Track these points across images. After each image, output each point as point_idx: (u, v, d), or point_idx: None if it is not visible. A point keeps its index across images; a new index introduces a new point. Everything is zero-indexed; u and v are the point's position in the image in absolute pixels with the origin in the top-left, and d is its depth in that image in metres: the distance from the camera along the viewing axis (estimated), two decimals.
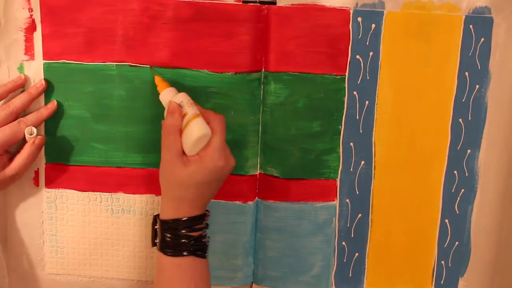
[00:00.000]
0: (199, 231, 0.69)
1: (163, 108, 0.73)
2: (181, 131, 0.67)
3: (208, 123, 0.67)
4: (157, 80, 0.71)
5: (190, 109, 0.67)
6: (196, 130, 0.66)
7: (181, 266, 0.68)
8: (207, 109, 0.70)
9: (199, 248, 0.69)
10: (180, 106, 0.68)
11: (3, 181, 0.73)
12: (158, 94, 0.70)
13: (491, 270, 0.81)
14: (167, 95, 0.69)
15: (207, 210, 0.70)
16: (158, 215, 0.70)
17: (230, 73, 0.75)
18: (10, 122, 0.73)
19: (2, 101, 0.74)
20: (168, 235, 0.68)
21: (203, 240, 0.69)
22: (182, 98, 0.68)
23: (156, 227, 0.70)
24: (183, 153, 0.67)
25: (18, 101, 0.74)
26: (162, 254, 0.68)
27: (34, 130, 0.74)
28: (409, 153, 0.78)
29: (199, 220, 0.68)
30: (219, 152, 0.67)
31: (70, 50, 0.75)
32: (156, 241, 0.70)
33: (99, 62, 0.75)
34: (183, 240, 0.67)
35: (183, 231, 0.67)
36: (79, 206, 0.80)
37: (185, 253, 0.67)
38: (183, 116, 0.67)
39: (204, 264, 0.69)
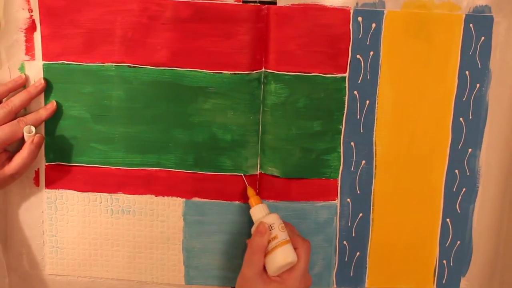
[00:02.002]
0: None
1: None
2: (266, 252, 0.69)
3: (295, 248, 0.69)
4: (250, 193, 0.74)
5: (281, 234, 0.70)
6: (284, 256, 0.69)
7: None
8: (295, 233, 0.72)
9: None
10: (270, 227, 0.70)
11: (3, 180, 0.74)
12: (249, 207, 0.75)
13: (493, 269, 0.81)
14: (258, 213, 0.73)
15: None
16: None
17: (229, 73, 0.75)
18: (9, 121, 0.73)
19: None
20: None
21: None
22: (274, 220, 0.71)
23: None
24: (264, 270, 0.69)
25: (17, 99, 0.74)
26: None
27: (33, 129, 0.74)
28: (410, 152, 0.78)
29: None
30: (300, 277, 0.69)
31: (69, 51, 0.75)
32: None
33: (98, 63, 0.75)
34: None
35: None
36: (79, 207, 0.80)
37: None
38: (271, 238, 0.70)
39: None
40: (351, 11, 0.74)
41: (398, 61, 0.76)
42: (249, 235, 0.79)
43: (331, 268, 0.82)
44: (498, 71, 0.76)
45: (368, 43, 0.75)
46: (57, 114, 0.77)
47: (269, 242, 0.70)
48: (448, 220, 0.80)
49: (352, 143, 0.78)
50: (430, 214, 0.80)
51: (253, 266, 0.69)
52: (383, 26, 0.75)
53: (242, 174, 0.78)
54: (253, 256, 0.69)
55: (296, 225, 0.79)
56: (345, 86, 0.76)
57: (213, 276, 0.81)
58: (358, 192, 0.79)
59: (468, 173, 0.79)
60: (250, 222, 0.76)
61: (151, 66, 0.75)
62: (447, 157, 0.78)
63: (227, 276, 0.82)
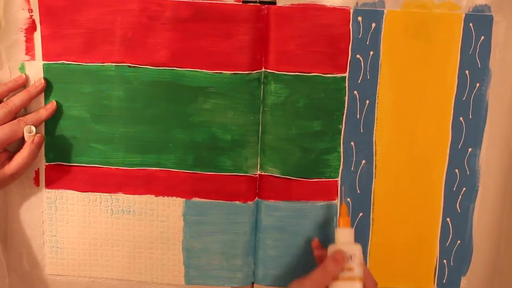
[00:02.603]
0: None
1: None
2: (335, 278, 0.68)
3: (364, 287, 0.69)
4: (343, 212, 0.73)
5: (358, 269, 0.68)
6: None
7: None
8: (367, 271, 0.72)
9: None
10: (350, 258, 0.69)
11: (3, 179, 0.74)
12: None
13: (493, 269, 0.81)
14: (344, 236, 0.71)
15: None
16: None
17: (229, 73, 0.75)
18: (9, 121, 0.73)
19: None
20: None
21: None
22: (355, 251, 0.69)
23: None
24: None
25: (17, 99, 0.74)
26: None
27: (33, 128, 0.74)
28: (410, 152, 0.78)
29: None
30: None
31: (69, 51, 0.75)
32: None
33: (98, 63, 0.75)
34: None
35: None
36: (79, 207, 0.80)
37: None
38: (347, 268, 0.68)
39: None
40: (351, 11, 0.74)
41: (398, 60, 0.76)
42: (249, 235, 0.79)
43: None
44: (498, 70, 0.76)
45: (368, 43, 0.75)
46: (57, 114, 0.77)
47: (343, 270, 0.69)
48: (448, 219, 0.80)
49: (352, 143, 0.78)
50: (430, 213, 0.80)
51: (317, 285, 0.68)
52: (383, 26, 0.75)
53: (343, 202, 0.76)
54: (323, 277, 0.68)
55: (296, 225, 0.79)
56: (345, 86, 0.76)
57: (213, 276, 0.81)
58: (358, 192, 0.79)
59: (468, 173, 0.79)
60: (251, 222, 0.76)
61: (151, 66, 0.75)
62: (447, 157, 0.78)
63: (227, 276, 0.81)
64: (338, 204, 0.79)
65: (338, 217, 0.74)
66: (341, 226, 0.72)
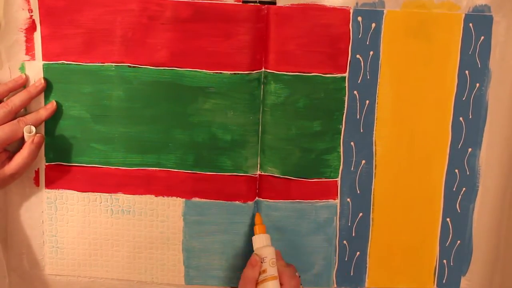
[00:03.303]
0: None
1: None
2: (257, 282, 0.73)
3: (281, 284, 0.73)
4: (257, 221, 0.77)
5: (270, 269, 0.73)
6: None
7: None
8: (286, 267, 0.75)
9: None
10: (262, 260, 0.74)
11: (3, 179, 0.74)
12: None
13: (493, 269, 0.81)
14: (258, 242, 0.76)
15: None
16: None
17: (229, 73, 0.75)
18: (9, 121, 0.73)
19: None
20: None
21: None
22: (267, 254, 0.74)
23: None
24: None
25: (17, 99, 0.74)
26: None
27: (33, 128, 0.74)
28: (410, 152, 0.78)
29: None
30: None
31: (69, 51, 0.75)
32: None
33: (98, 63, 0.75)
34: None
35: None
36: (79, 207, 0.80)
37: None
38: (262, 270, 0.73)
39: None
40: (351, 11, 0.74)
41: (398, 60, 0.76)
42: (248, 235, 0.79)
43: (331, 268, 0.82)
44: (497, 70, 0.76)
45: (368, 43, 0.75)
46: (57, 114, 0.77)
47: (260, 273, 0.73)
48: (448, 219, 0.80)
49: (352, 143, 0.78)
50: (430, 213, 0.80)
51: None
52: (382, 26, 0.75)
53: (257, 212, 0.80)
54: (244, 282, 0.73)
55: (296, 225, 0.79)
56: (345, 86, 0.76)
57: (213, 276, 0.81)
58: (358, 191, 0.79)
59: (468, 173, 0.79)
60: (250, 222, 0.76)
61: (151, 66, 0.75)
62: (447, 157, 0.78)
63: (227, 276, 0.81)
64: (338, 204, 0.80)
65: (254, 226, 0.77)
66: (256, 233, 0.76)
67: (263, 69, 0.76)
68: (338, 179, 0.79)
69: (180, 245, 0.81)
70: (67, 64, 0.75)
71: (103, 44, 0.74)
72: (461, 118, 0.77)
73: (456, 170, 0.79)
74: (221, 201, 0.79)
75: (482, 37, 0.75)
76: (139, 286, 0.82)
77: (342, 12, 0.74)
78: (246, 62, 0.75)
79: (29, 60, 0.76)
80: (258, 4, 0.74)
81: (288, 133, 0.77)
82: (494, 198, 0.79)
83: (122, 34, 0.74)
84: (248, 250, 0.80)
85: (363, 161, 0.79)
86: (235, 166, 0.78)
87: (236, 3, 0.73)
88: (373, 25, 0.75)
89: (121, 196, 0.79)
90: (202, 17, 0.73)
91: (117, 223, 0.80)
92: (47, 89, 0.76)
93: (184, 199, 0.79)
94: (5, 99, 0.74)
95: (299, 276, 0.76)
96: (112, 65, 0.75)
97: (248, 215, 0.79)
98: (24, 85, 0.76)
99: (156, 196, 0.79)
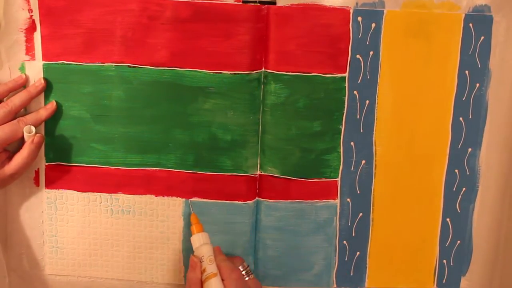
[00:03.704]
0: None
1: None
2: (201, 282, 0.72)
3: (223, 280, 0.72)
4: (193, 220, 0.77)
5: (209, 267, 0.73)
6: None
7: None
8: (225, 261, 0.74)
9: None
10: (200, 260, 0.73)
11: (3, 179, 0.73)
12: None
13: (493, 269, 0.81)
14: (195, 241, 0.75)
15: None
16: None
17: (229, 73, 0.75)
18: (9, 121, 0.73)
19: None
20: None
21: None
22: (204, 252, 0.74)
23: None
24: None
25: (17, 99, 0.74)
26: None
27: (33, 128, 0.74)
28: (409, 152, 0.78)
29: None
30: None
31: (69, 51, 0.75)
32: None
33: (98, 63, 0.75)
34: None
35: None
36: (79, 207, 0.80)
37: None
38: (202, 270, 0.73)
39: None
40: (351, 11, 0.74)
41: (398, 60, 0.76)
42: (248, 235, 0.79)
43: (331, 268, 0.82)
44: (497, 70, 0.76)
45: (367, 43, 0.75)
46: (57, 114, 0.77)
47: (202, 273, 0.73)
48: (448, 219, 0.80)
49: (352, 143, 0.78)
50: (430, 213, 0.80)
51: None
52: (382, 26, 0.75)
53: (189, 200, 0.79)
54: (190, 284, 0.72)
55: (296, 225, 0.79)
56: (345, 86, 0.76)
57: None
58: (358, 191, 0.79)
59: (468, 173, 0.79)
60: (250, 222, 0.76)
61: (151, 66, 0.75)
62: (447, 157, 0.78)
63: None
64: (338, 204, 0.80)
65: (190, 226, 0.77)
66: (194, 233, 0.76)
67: (263, 69, 0.76)
68: (338, 179, 0.79)
69: (180, 245, 0.81)
70: (67, 64, 0.75)
71: (103, 44, 0.74)
72: (461, 118, 0.77)
73: (456, 170, 0.79)
74: (221, 201, 0.79)
75: (482, 37, 0.75)
76: (139, 286, 0.82)
77: (342, 12, 0.74)
78: (246, 62, 0.75)
79: (29, 60, 0.76)
80: (258, 4, 0.74)
81: (288, 133, 0.77)
82: (494, 198, 0.79)
83: (122, 34, 0.74)
84: (248, 250, 0.80)
85: (363, 161, 0.79)
86: (235, 166, 0.78)
87: (236, 3, 0.73)
88: (373, 25, 0.75)
89: (121, 196, 0.79)
90: (202, 17, 0.73)
91: (117, 223, 0.80)
92: (47, 89, 0.76)
93: (184, 199, 0.79)
94: (5, 99, 0.74)
95: (248, 266, 0.77)
96: (112, 65, 0.75)
97: (248, 215, 0.79)
98: (24, 85, 0.76)
99: (156, 196, 0.79)
